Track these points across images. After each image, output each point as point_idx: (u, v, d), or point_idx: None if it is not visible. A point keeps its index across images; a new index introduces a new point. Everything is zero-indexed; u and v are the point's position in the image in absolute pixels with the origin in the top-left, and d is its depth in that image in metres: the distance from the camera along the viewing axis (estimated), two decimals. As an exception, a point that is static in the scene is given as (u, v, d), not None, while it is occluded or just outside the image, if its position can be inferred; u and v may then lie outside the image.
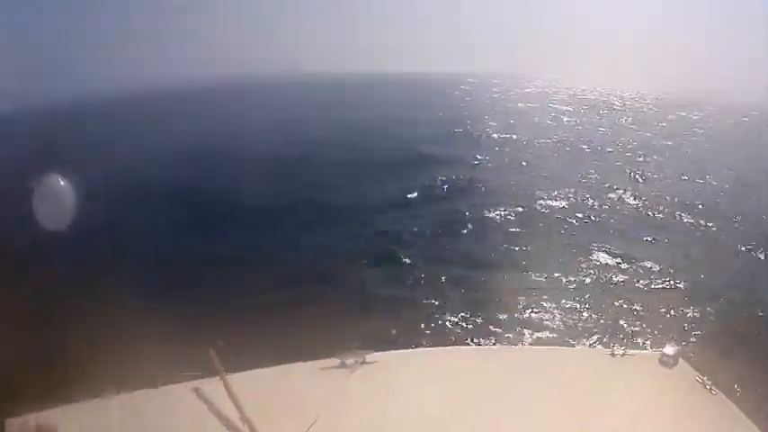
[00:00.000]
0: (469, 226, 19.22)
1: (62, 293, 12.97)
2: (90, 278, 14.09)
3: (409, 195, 23.40)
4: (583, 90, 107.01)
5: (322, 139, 37.81)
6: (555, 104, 72.61)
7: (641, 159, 32.23)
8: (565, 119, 54.47)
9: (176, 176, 28.66)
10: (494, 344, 10.57)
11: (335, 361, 5.87)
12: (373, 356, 5.89)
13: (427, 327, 11.71)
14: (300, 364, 5.97)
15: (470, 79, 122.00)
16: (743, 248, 16.98)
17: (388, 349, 6.34)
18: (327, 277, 14.62)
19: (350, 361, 5.83)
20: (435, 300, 13.07)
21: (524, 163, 29.80)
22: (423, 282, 14.38)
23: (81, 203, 20.92)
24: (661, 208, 21.60)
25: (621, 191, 23.95)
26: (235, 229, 20.02)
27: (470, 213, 20.41)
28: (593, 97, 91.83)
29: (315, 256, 16.41)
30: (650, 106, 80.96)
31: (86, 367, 9.16)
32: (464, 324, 11.85)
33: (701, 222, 19.92)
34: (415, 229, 18.99)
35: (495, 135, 40.43)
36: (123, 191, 25.62)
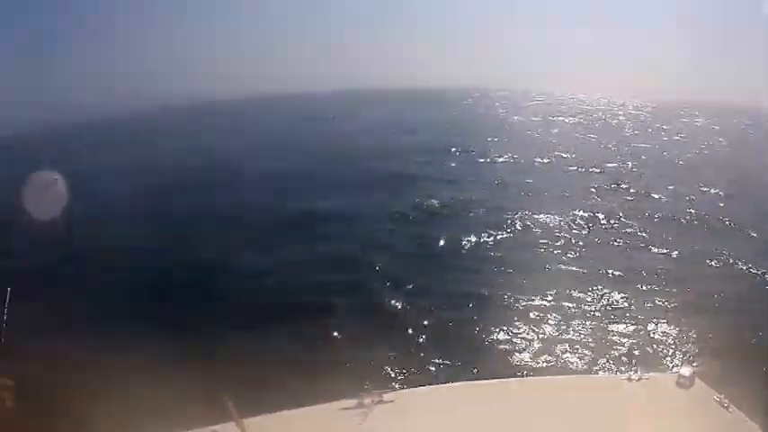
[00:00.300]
0: (462, 251, 19.38)
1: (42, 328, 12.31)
2: (71, 309, 13.99)
3: (399, 213, 23.91)
4: (585, 101, 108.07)
5: (306, 157, 38.34)
6: (558, 117, 73.07)
7: (642, 174, 32.41)
8: (567, 133, 54.76)
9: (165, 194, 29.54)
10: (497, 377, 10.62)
11: (352, 401, 6.00)
12: (390, 395, 6.02)
13: (432, 361, 11.73)
14: (318, 406, 6.11)
15: (476, 93, 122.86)
16: (751, 263, 16.99)
17: (402, 387, 6.43)
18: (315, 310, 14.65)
19: (367, 401, 5.98)
20: (433, 332, 13.06)
21: (523, 183, 29.93)
22: (412, 309, 14.46)
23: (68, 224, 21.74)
24: (662, 225, 21.66)
25: (621, 210, 23.93)
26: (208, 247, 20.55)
27: (464, 237, 20.44)
28: (595, 108, 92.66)
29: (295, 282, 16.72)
30: (651, 114, 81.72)
31: (82, 416, 9.18)
32: (466, 357, 11.87)
33: (707, 237, 20.00)
34: (405, 252, 19.22)
35: (495, 153, 40.59)
36: (113, 211, 26.45)
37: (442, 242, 20.19)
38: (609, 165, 35.60)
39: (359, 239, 20.77)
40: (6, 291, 4.56)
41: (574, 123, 66.61)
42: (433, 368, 11.28)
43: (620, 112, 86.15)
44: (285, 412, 6.11)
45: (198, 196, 29.39)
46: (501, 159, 38.18)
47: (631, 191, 27.69)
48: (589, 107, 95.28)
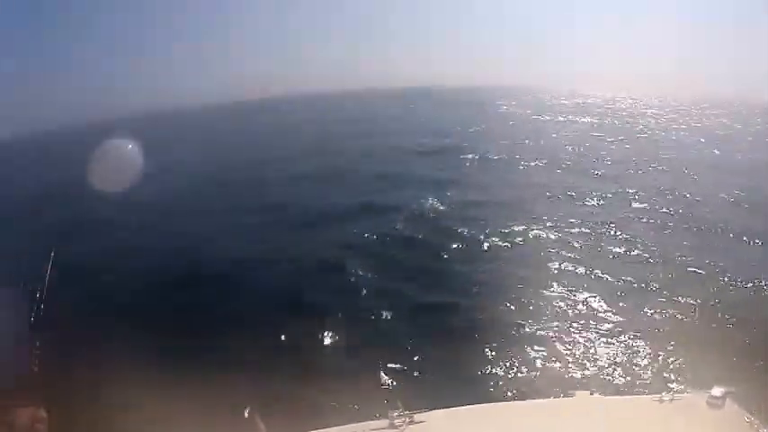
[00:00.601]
0: (479, 257, 19.50)
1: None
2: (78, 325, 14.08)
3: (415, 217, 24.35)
4: (611, 100, 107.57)
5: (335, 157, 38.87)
6: (584, 118, 72.94)
7: (664, 179, 32.12)
8: (592, 135, 54.53)
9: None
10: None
11: (383, 422, 6.11)
12: (422, 415, 6.13)
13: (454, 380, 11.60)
14: (348, 426, 6.21)
15: (505, 92, 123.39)
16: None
17: (433, 408, 6.48)
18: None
19: (398, 421, 6.07)
20: (454, 348, 13.00)
21: (548, 188, 29.89)
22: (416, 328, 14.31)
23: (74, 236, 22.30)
24: (684, 235, 21.40)
25: (645, 219, 23.76)
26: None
27: (485, 242, 20.76)
28: (619, 107, 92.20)
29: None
30: (675, 113, 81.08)
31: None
32: (492, 376, 11.90)
33: (732, 248, 19.68)
34: (409, 263, 19.35)
35: (522, 157, 40.80)
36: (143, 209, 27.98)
37: (459, 247, 20.40)
38: (631, 169, 35.50)
39: (374, 240, 21.53)
40: (38, 316, 4.70)
41: (598, 124, 66.43)
42: (459, 387, 11.23)
43: (644, 112, 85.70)
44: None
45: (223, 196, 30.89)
46: (531, 163, 38.12)
47: (652, 199, 27.29)
48: (613, 106, 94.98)
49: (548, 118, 73.70)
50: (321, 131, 64.95)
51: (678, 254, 18.93)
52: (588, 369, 11.97)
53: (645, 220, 23.67)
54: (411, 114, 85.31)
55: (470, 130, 57.95)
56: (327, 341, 13.86)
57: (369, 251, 20.29)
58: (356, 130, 64.30)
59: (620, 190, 29.17)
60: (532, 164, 37.98)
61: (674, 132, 59.10)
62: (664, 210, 25.07)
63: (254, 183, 35.24)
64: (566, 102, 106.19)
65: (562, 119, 72.29)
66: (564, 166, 37.43)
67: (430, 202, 26.69)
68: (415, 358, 12.53)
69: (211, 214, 27.41)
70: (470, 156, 41.26)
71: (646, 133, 58.10)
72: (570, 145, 47.12)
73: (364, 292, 16.84)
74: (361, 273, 18.12)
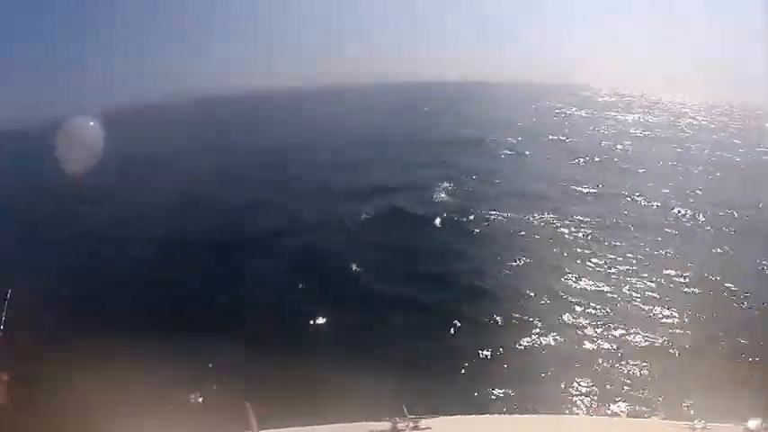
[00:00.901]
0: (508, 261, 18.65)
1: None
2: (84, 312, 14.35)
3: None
4: (657, 101, 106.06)
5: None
6: (629, 114, 72.46)
7: (705, 186, 30.94)
8: (620, 132, 53.95)
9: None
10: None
11: (386, 424, 5.80)
12: (427, 421, 5.82)
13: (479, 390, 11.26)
14: (346, 424, 5.95)
15: (535, 89, 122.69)
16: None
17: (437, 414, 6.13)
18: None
19: (401, 425, 5.76)
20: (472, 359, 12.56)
21: (570, 185, 29.41)
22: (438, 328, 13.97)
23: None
24: (737, 240, 20.45)
25: (689, 225, 22.96)
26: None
27: (490, 236, 20.69)
28: (665, 109, 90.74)
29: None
30: (725, 116, 79.60)
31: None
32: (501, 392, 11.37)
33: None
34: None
35: (541, 150, 40.61)
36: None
37: (477, 236, 20.59)
38: (672, 170, 34.59)
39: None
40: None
41: (641, 123, 65.42)
42: (481, 397, 10.93)
43: (686, 112, 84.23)
44: (311, 427, 5.99)
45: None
46: (570, 160, 37.44)
47: (692, 202, 26.30)
48: (656, 105, 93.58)
49: (591, 115, 72.83)
50: (366, 121, 64.69)
51: (717, 263, 18.08)
52: (612, 387, 11.31)
53: (688, 224, 22.96)
54: (452, 108, 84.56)
55: (519, 125, 57.02)
56: (323, 331, 13.93)
57: (375, 237, 20.77)
58: (397, 121, 63.91)
59: (661, 191, 28.36)
60: (572, 161, 37.25)
61: (716, 134, 57.77)
62: (701, 214, 24.09)
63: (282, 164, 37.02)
64: (610, 99, 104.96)
65: (610, 115, 71.49)
66: (605, 164, 36.75)
67: (454, 189, 27.25)
68: (420, 358, 12.25)
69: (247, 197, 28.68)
70: (508, 151, 40.84)
71: (689, 133, 57.02)
72: (611, 143, 46.51)
73: (367, 281, 16.92)
74: (363, 263, 18.23)
